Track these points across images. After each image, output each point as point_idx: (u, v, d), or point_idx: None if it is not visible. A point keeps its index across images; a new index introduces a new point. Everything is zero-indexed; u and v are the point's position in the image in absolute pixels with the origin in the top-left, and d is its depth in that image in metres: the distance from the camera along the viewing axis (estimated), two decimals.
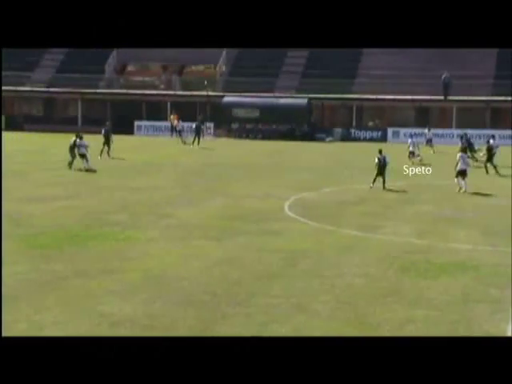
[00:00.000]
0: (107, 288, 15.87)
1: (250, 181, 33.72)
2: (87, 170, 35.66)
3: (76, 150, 35.83)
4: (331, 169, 39.54)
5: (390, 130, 60.98)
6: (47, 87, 59.41)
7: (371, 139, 59.26)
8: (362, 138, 60.64)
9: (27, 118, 59.62)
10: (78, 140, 35.96)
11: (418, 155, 42.70)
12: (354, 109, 63.23)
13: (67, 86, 58.00)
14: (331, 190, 31.31)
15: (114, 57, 61.91)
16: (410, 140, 43.58)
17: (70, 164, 35.53)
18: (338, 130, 61.49)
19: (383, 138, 59.52)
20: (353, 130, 61.97)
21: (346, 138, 60.20)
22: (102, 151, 40.80)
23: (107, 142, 41.73)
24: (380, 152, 31.86)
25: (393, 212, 26.24)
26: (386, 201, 28.76)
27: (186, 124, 55.87)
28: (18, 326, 13.40)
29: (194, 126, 52.49)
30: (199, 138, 50.73)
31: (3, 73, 57.45)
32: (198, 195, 28.95)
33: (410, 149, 42.87)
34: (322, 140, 59.09)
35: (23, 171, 34.36)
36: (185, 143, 51.29)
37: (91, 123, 55.45)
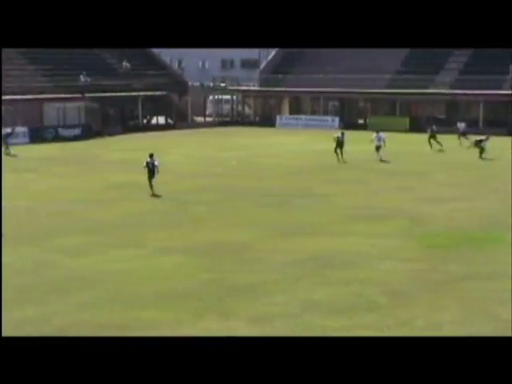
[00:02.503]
0: (505, 292, 15.81)
1: None
2: (382, 161, 37.88)
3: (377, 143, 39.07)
4: None
5: None
6: (450, 89, 59.95)
7: None
8: None
9: (429, 119, 60.74)
10: (376, 134, 39.37)
11: None
12: None
13: (470, 87, 57.97)
14: None
15: None
16: None
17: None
18: None
19: None
20: None
21: None
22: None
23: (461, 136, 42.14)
24: None
25: None
26: None
27: None
28: (416, 323, 14.01)
29: None
30: None
31: (409, 76, 59.17)
32: None
33: None
34: None
35: (424, 172, 35.22)
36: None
37: (492, 125, 54.86)
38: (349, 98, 63.61)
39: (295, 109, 65.60)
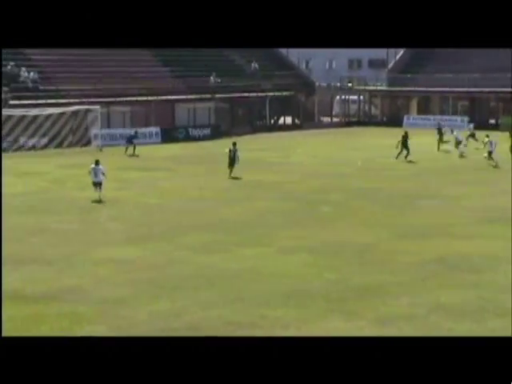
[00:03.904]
0: None
1: None
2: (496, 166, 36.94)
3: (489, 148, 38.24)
4: None
5: None
6: None
7: None
8: None
9: None
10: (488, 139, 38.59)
11: None
12: None
13: None
14: None
15: None
16: None
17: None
18: None
19: None
20: None
21: None
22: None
23: None
24: None
25: None
26: None
27: None
28: None
29: None
30: None
31: None
32: None
33: None
34: None
35: None
36: None
37: None
38: (479, 98, 62.17)
39: (423, 109, 64.67)
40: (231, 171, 33.16)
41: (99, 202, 27.16)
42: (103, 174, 27.86)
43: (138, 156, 41.80)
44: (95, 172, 27.75)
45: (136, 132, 44.53)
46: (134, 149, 42.38)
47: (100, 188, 27.56)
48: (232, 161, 33.24)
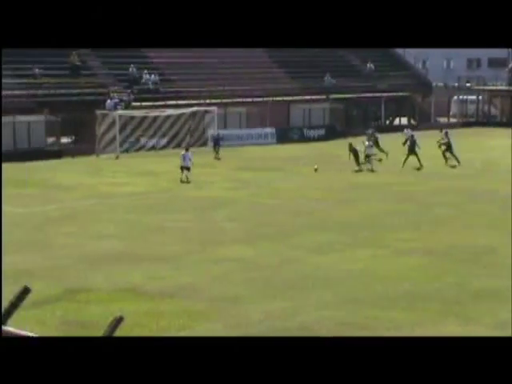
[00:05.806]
0: None
1: None
2: None
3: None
4: None
5: None
6: None
7: None
8: None
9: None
10: None
11: None
12: None
13: None
14: None
15: None
16: None
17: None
18: None
19: None
20: None
21: None
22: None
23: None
24: None
25: None
26: None
27: None
28: None
29: None
30: None
31: None
32: None
33: None
34: None
35: None
36: None
37: None
38: None
39: None
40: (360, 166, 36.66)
41: (188, 182, 31.69)
42: (190, 159, 32.35)
43: (219, 159, 41.28)
44: (184, 157, 32.43)
45: (218, 134, 44.32)
46: (218, 151, 42.21)
47: (188, 171, 32.04)
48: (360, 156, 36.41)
